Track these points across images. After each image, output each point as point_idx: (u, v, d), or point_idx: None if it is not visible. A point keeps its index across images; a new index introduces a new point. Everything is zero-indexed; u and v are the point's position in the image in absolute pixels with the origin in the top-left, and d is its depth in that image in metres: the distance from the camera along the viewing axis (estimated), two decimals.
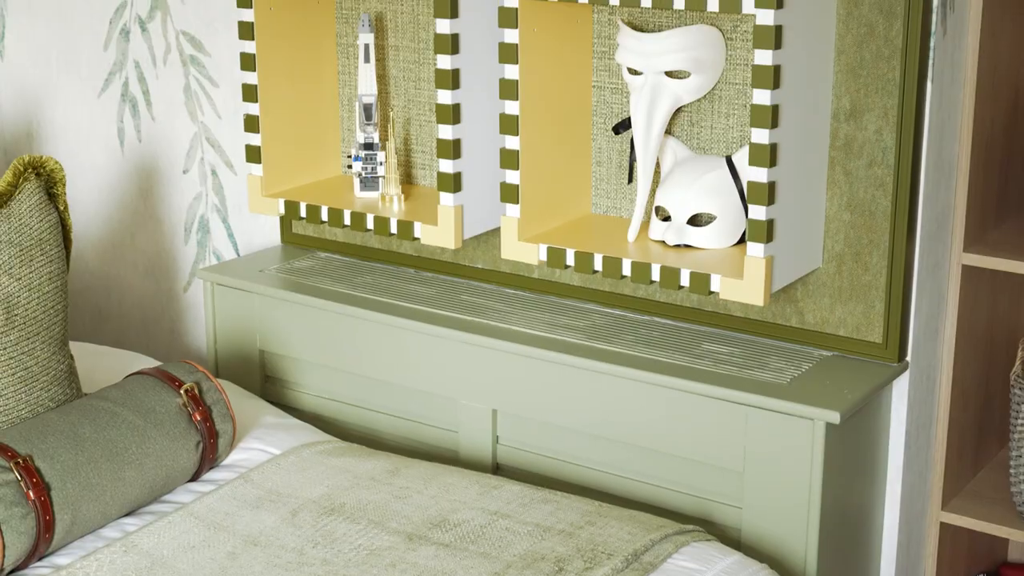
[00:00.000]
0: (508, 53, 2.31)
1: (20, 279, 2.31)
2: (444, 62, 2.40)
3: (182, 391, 2.34)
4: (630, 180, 2.51)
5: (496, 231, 2.66)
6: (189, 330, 3.26)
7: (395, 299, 2.67)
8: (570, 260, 2.36)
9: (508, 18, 2.30)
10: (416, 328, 2.58)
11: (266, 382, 2.84)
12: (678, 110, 2.43)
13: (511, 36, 2.30)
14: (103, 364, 2.77)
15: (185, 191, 3.16)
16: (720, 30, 2.35)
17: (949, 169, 2.35)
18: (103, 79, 3.21)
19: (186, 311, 3.25)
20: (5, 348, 2.27)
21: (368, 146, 2.67)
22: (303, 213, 2.65)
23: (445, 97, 2.42)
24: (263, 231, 3.06)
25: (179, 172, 3.16)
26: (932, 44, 2.21)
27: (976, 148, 2.35)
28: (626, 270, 2.30)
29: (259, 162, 2.67)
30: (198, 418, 2.33)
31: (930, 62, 2.22)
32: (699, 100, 2.41)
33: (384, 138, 2.73)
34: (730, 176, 2.36)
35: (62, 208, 2.43)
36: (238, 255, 3.12)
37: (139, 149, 3.21)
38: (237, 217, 3.09)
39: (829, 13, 2.23)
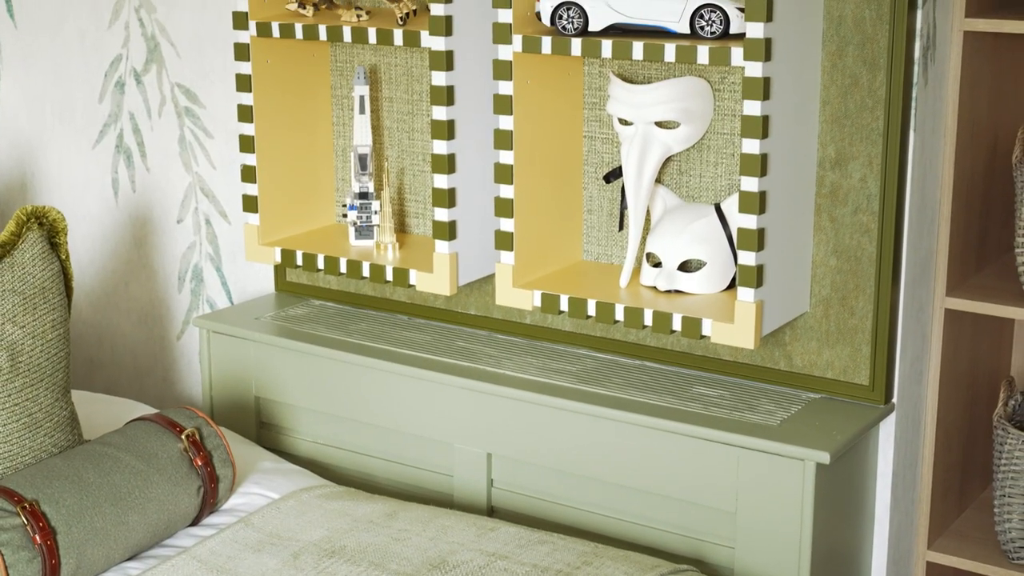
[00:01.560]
0: (503, 104, 2.37)
1: (24, 327, 2.35)
2: (440, 113, 2.46)
3: (183, 436, 2.37)
4: (621, 227, 2.57)
5: (488, 278, 2.72)
6: (182, 378, 3.30)
7: (389, 345, 2.72)
8: (564, 306, 2.41)
9: (503, 71, 2.36)
10: (411, 373, 2.62)
11: (261, 428, 2.88)
12: (668, 159, 2.49)
13: (506, 88, 2.37)
14: (99, 411, 2.80)
15: (179, 240, 3.21)
16: (708, 82, 2.41)
17: (932, 216, 2.42)
18: (98, 130, 3.26)
19: (179, 359, 3.29)
20: (10, 395, 2.31)
21: (363, 195, 2.72)
22: (299, 261, 2.69)
23: (441, 147, 2.48)
24: (256, 279, 3.11)
25: (173, 222, 3.21)
26: (914, 95, 2.28)
27: (957, 195, 2.42)
28: (619, 315, 2.36)
29: (256, 211, 2.73)
30: (199, 463, 2.37)
31: (912, 112, 2.29)
32: (688, 149, 2.47)
33: (379, 187, 2.78)
34: (719, 223, 2.42)
35: (64, 257, 2.48)
36: (232, 303, 3.16)
37: (133, 199, 3.26)
38: (231, 266, 3.14)
39: (814, 65, 2.30)
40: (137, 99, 3.18)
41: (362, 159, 2.72)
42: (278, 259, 2.73)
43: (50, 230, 2.47)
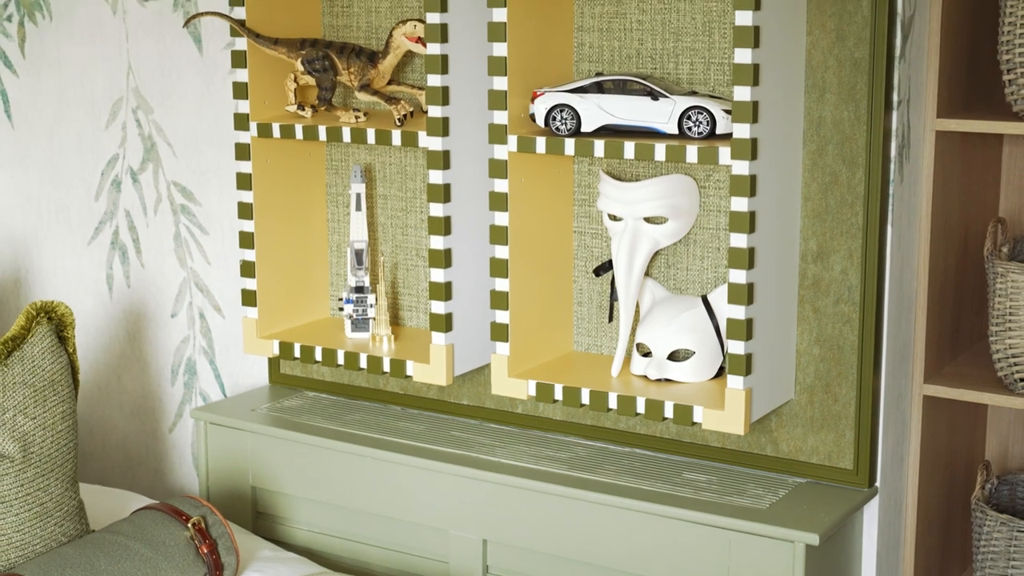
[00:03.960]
0: (498, 201, 2.48)
1: (35, 418, 2.41)
2: (437, 210, 2.56)
3: (189, 524, 2.43)
4: (610, 319, 2.66)
5: (480, 369, 2.80)
6: (173, 469, 3.35)
7: (384, 435, 2.79)
8: (558, 395, 2.50)
9: (499, 169, 2.46)
10: (406, 462, 2.69)
11: (258, 518, 2.93)
12: (656, 253, 2.60)
13: (501, 186, 2.47)
14: (97, 502, 2.85)
15: (173, 334, 3.28)
16: (694, 179, 2.53)
17: (909, 306, 2.53)
18: (93, 227, 3.34)
19: (171, 451, 3.34)
20: (23, 485, 2.36)
21: (359, 289, 2.81)
22: (297, 353, 2.77)
23: (438, 243, 2.57)
24: (250, 372, 3.18)
25: (167, 316, 3.28)
26: (891, 191, 2.40)
27: (932, 286, 2.54)
28: (612, 403, 2.45)
29: (254, 305, 2.81)
30: (205, 551, 2.42)
31: (890, 207, 2.40)
32: (675, 244, 2.58)
33: (374, 282, 2.87)
34: (706, 314, 2.52)
35: (71, 351, 2.55)
36: (225, 396, 3.23)
37: (128, 294, 3.33)
38: (224, 359, 3.21)
39: (796, 163, 2.42)
40: (133, 197, 3.27)
41: (358, 254, 2.81)
42: (276, 351, 2.80)
43: (58, 324, 2.54)
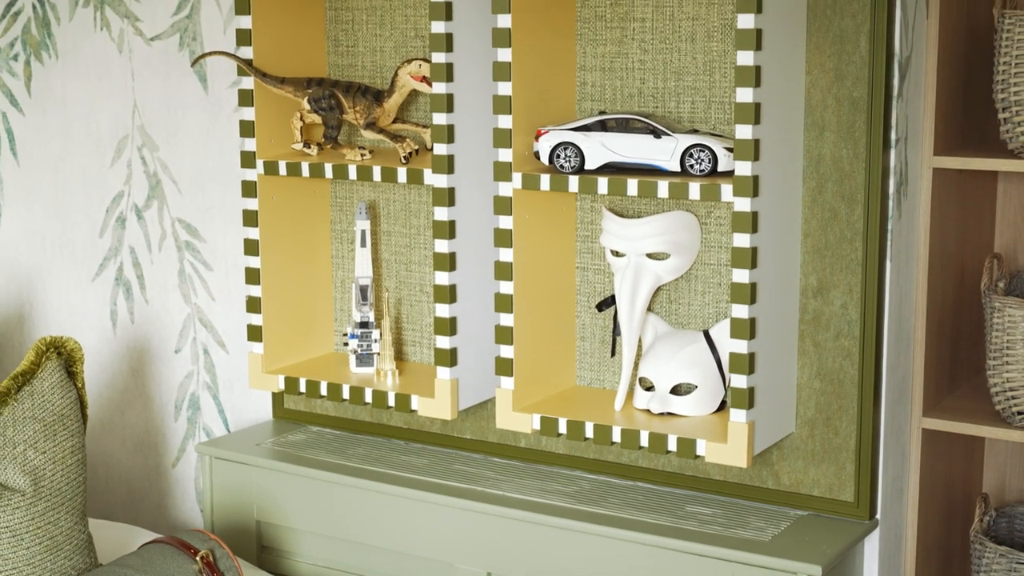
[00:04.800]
0: (503, 238, 2.51)
1: (45, 452, 2.44)
2: (442, 246, 2.60)
3: (198, 558, 2.45)
4: (613, 354, 2.70)
5: (483, 403, 2.83)
6: (176, 504, 3.37)
7: (388, 469, 2.81)
8: (562, 428, 2.53)
9: (503, 206, 2.50)
10: (411, 495, 2.72)
11: (262, 552, 2.95)
12: (658, 288, 2.63)
13: (506, 223, 2.51)
14: (102, 536, 2.87)
15: (176, 369, 3.31)
16: (696, 216, 2.57)
17: (908, 341, 2.57)
18: (98, 263, 3.37)
19: (174, 486, 3.36)
20: (33, 519, 2.39)
21: (364, 324, 2.84)
22: (303, 388, 2.80)
23: (443, 279, 2.60)
24: (253, 407, 3.20)
25: (171, 351, 3.31)
26: (890, 227, 2.44)
27: (930, 321, 2.57)
28: (616, 437, 2.47)
29: (260, 340, 2.83)
30: None
31: (888, 243, 2.44)
32: (677, 279, 2.62)
33: (379, 317, 2.90)
34: (708, 348, 2.55)
35: (80, 386, 2.57)
36: (228, 431, 3.25)
37: (131, 330, 3.36)
38: (228, 394, 3.24)
39: (796, 200, 2.46)
40: (138, 233, 3.30)
41: (363, 290, 2.84)
42: (281, 386, 2.83)
43: (67, 359, 2.57)
